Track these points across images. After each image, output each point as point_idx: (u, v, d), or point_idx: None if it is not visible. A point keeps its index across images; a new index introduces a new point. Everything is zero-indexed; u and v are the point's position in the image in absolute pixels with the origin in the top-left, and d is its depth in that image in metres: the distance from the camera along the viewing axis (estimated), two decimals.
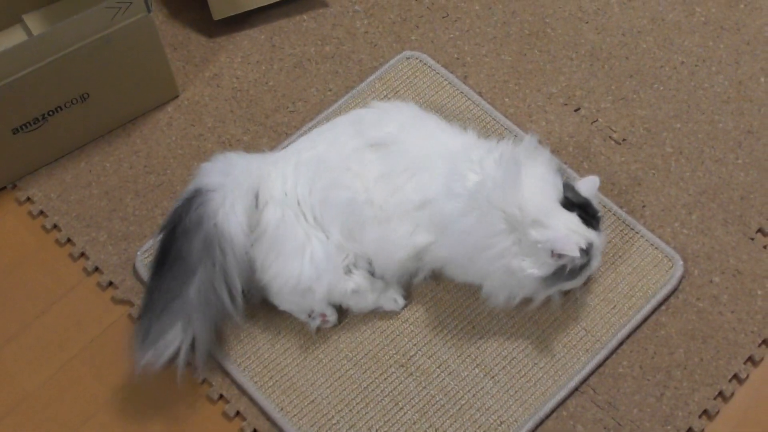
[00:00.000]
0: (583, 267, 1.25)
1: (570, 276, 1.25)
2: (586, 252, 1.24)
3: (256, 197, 1.31)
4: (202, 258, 1.25)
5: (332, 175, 1.31)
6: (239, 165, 1.33)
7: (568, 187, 1.27)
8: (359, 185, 1.30)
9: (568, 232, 1.23)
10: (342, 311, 1.36)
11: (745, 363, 1.34)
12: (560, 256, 1.22)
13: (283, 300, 1.34)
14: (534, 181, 1.24)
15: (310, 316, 1.33)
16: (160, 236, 1.30)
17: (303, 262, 1.29)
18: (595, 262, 1.27)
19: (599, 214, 1.28)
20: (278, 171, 1.34)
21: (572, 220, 1.24)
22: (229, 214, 1.27)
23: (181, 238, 1.26)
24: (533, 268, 1.24)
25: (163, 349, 1.26)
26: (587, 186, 1.29)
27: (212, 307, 1.27)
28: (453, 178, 1.27)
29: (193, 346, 1.28)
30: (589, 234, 1.24)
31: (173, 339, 1.26)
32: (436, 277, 1.38)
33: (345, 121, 1.39)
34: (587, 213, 1.26)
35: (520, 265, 1.24)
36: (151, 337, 1.26)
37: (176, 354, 1.27)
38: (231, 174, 1.31)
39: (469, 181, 1.26)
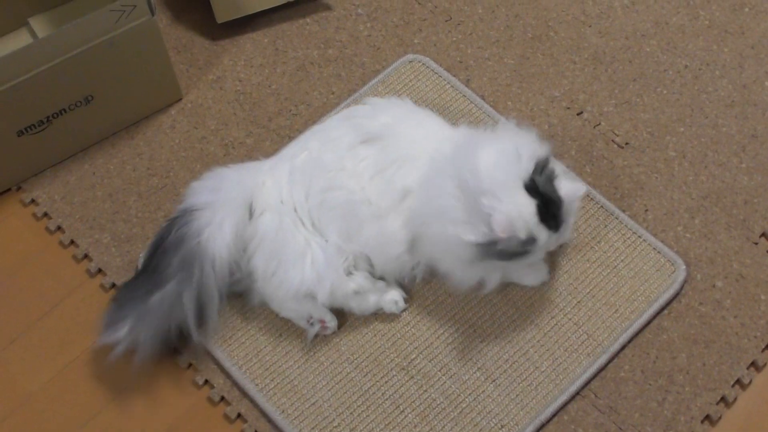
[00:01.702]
0: (516, 255, 1.20)
1: (501, 257, 1.20)
2: (525, 243, 1.18)
3: (250, 209, 1.32)
4: (177, 274, 1.27)
5: (328, 177, 1.31)
6: (230, 180, 1.34)
7: (544, 176, 1.21)
8: (355, 185, 1.30)
9: (515, 213, 1.17)
10: (342, 316, 1.36)
11: (748, 368, 1.33)
12: (494, 230, 1.17)
13: (283, 307, 1.34)
14: (496, 154, 1.21)
15: (309, 322, 1.33)
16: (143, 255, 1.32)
17: (304, 268, 1.29)
18: (533, 257, 1.22)
19: (561, 219, 1.20)
20: (273, 179, 1.34)
21: (527, 205, 1.18)
22: (215, 232, 1.28)
23: (159, 257, 1.29)
24: (468, 233, 1.19)
25: (113, 339, 1.27)
26: (568, 189, 1.22)
27: (171, 320, 1.28)
28: (433, 173, 1.26)
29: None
30: (538, 229, 1.18)
31: (118, 332, 1.27)
32: (434, 277, 1.38)
33: (337, 119, 1.39)
34: (548, 209, 1.19)
35: (456, 230, 1.20)
36: (107, 322, 1.28)
37: (128, 347, 1.27)
38: (221, 190, 1.31)
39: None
